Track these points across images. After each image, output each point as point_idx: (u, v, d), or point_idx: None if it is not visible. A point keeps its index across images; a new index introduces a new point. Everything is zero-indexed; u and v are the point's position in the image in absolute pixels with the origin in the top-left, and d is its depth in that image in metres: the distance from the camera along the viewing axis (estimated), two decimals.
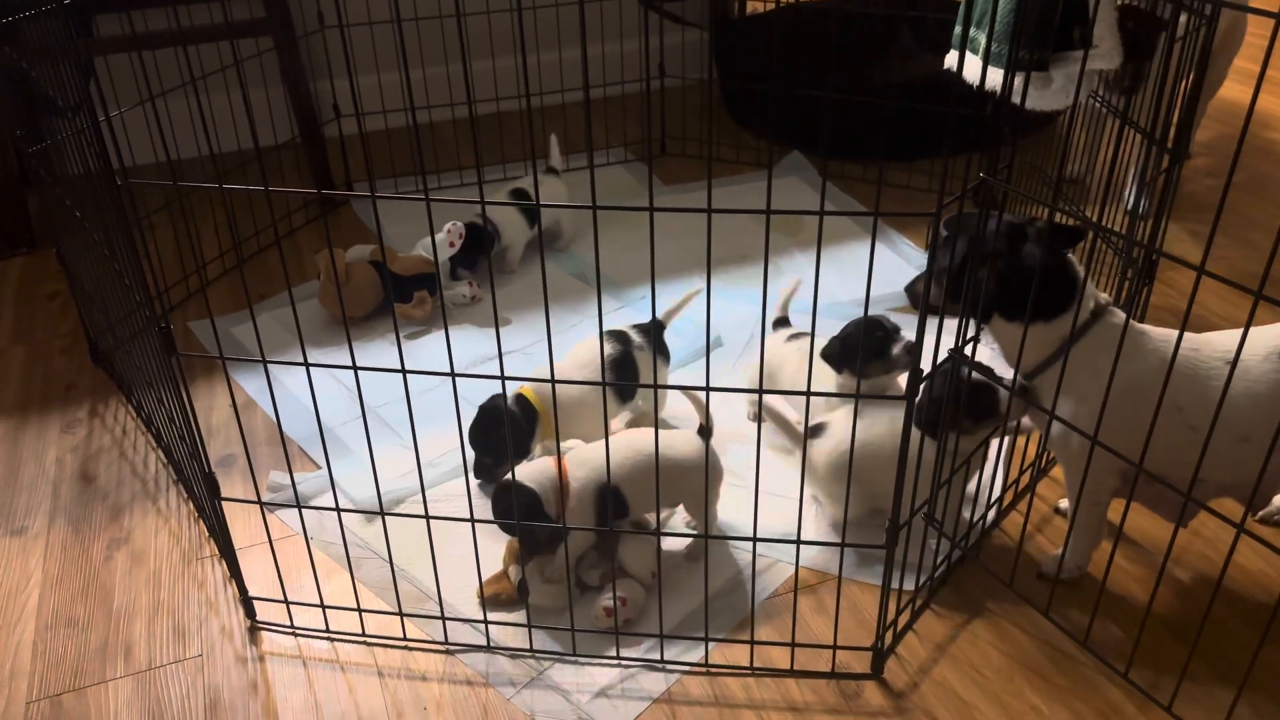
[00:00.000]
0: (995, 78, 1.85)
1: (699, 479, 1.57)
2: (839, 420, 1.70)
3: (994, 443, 1.68)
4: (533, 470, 1.57)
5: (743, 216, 2.66)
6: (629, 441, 1.60)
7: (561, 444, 1.62)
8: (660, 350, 1.92)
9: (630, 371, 1.87)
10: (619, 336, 1.90)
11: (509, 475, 1.51)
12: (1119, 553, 1.66)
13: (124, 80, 2.65)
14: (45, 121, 1.91)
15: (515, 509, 1.49)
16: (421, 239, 2.40)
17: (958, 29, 2.11)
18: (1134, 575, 1.64)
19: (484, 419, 1.79)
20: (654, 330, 1.83)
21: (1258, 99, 1.06)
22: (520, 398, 1.79)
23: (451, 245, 2.31)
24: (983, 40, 1.93)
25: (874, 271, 1.19)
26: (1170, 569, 1.64)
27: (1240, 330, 1.20)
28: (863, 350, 1.68)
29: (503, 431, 1.74)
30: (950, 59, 2.11)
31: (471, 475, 1.81)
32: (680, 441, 1.62)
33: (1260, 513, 1.73)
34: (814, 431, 1.70)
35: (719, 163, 3.04)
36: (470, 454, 1.81)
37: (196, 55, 2.54)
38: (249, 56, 2.25)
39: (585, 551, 1.63)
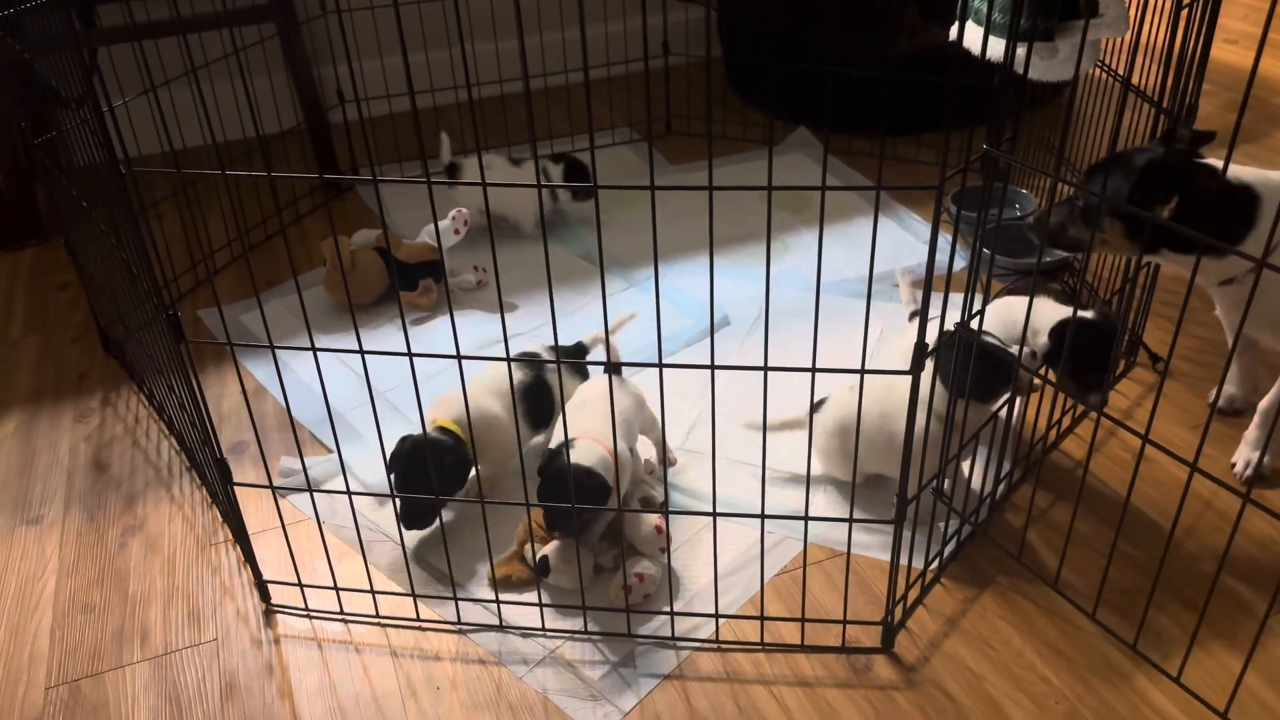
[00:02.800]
0: (998, 48, 1.83)
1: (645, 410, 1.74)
2: (835, 394, 1.74)
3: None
4: (587, 454, 1.53)
5: (749, 194, 2.66)
6: (602, 402, 1.64)
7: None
8: (580, 372, 1.83)
9: (545, 398, 1.77)
10: (530, 360, 1.78)
11: (565, 461, 1.51)
12: (1127, 526, 1.66)
13: (127, 70, 2.65)
14: (50, 113, 1.92)
15: (577, 494, 1.48)
16: (426, 226, 2.41)
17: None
18: (1144, 547, 1.64)
19: (409, 456, 1.61)
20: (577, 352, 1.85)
21: (1259, 63, 1.04)
22: (442, 430, 1.65)
23: (456, 233, 2.31)
24: (986, 10, 1.91)
25: (880, 246, 1.18)
26: (1179, 539, 1.64)
27: None
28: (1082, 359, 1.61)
29: (431, 467, 1.56)
30: (955, 31, 2.09)
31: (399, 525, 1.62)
32: (628, 386, 1.75)
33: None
34: (816, 408, 1.75)
35: (725, 140, 3.03)
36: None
37: (199, 43, 2.55)
38: (251, 44, 2.25)
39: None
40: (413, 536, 1.69)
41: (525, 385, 1.75)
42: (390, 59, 3.11)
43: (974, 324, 1.48)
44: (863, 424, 1.63)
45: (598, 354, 1.86)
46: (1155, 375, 2.02)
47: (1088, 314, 1.65)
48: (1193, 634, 1.38)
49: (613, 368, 1.73)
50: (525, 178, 2.46)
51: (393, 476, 1.62)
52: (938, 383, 1.57)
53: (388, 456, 1.60)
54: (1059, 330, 1.66)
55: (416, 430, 1.60)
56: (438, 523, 1.68)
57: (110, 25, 2.76)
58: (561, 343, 1.80)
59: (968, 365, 1.50)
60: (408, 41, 3.08)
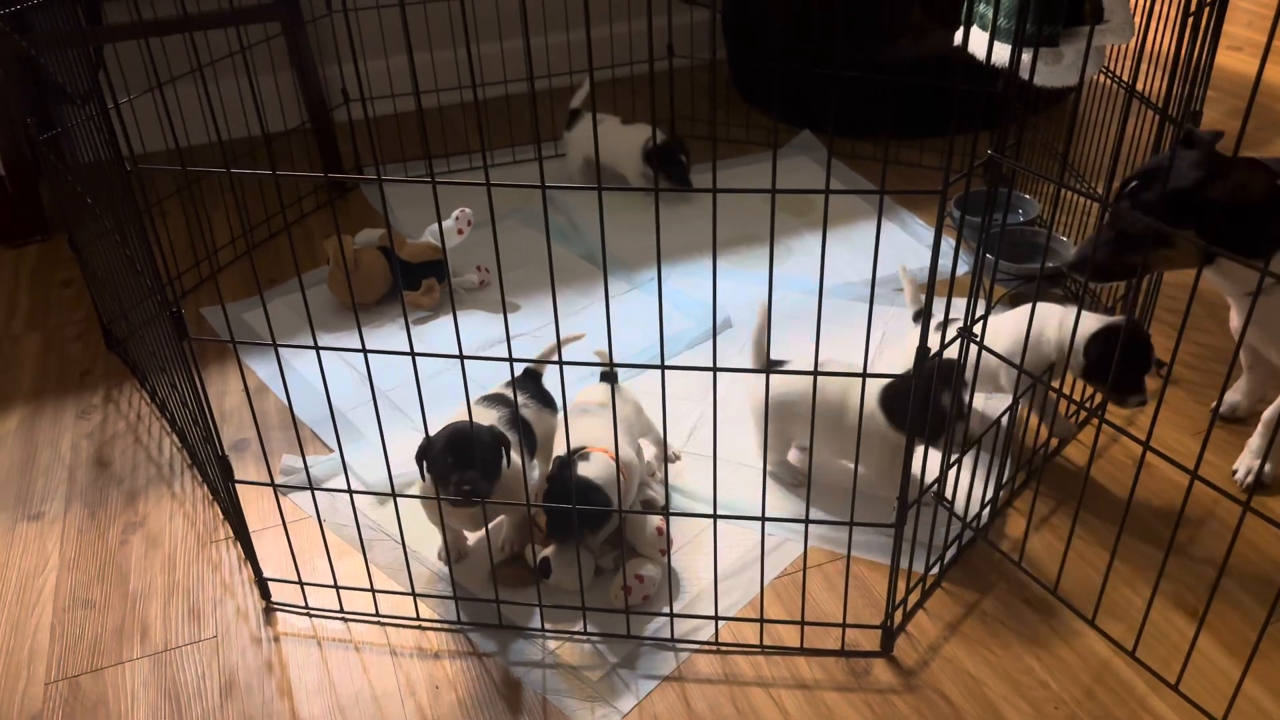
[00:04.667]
0: (1003, 53, 1.83)
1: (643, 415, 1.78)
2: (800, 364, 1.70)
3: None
4: (598, 468, 1.53)
5: (752, 197, 2.66)
6: (602, 410, 1.66)
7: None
8: (544, 400, 1.77)
9: (526, 432, 1.68)
10: (501, 400, 1.69)
11: (571, 473, 1.50)
12: (1128, 532, 1.66)
13: (131, 67, 2.66)
14: (56, 110, 1.93)
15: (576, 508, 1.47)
16: (429, 225, 2.41)
17: (966, 4, 2.09)
18: (1144, 554, 1.64)
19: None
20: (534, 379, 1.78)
21: (1264, 70, 1.04)
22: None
23: (460, 232, 2.31)
24: (991, 15, 1.91)
25: (882, 250, 1.18)
26: (1180, 546, 1.64)
27: None
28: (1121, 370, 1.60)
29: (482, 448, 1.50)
30: (960, 35, 2.09)
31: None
32: (625, 392, 1.77)
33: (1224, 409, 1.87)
34: (776, 364, 1.73)
35: (728, 143, 3.03)
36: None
37: (205, 41, 2.55)
38: (257, 42, 2.25)
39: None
40: (414, 535, 1.68)
41: (507, 420, 1.65)
42: (395, 59, 3.11)
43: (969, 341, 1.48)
44: (821, 399, 1.54)
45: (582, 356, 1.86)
46: (1157, 381, 2.02)
47: (1115, 319, 1.63)
48: (1192, 641, 1.38)
49: (611, 374, 1.74)
50: (633, 138, 2.71)
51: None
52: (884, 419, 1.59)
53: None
54: (1102, 338, 1.62)
55: (420, 431, 1.59)
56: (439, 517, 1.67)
57: (116, 22, 2.77)
58: (509, 380, 1.73)
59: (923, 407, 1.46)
60: (412, 41, 3.09)
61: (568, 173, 2.82)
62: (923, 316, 1.26)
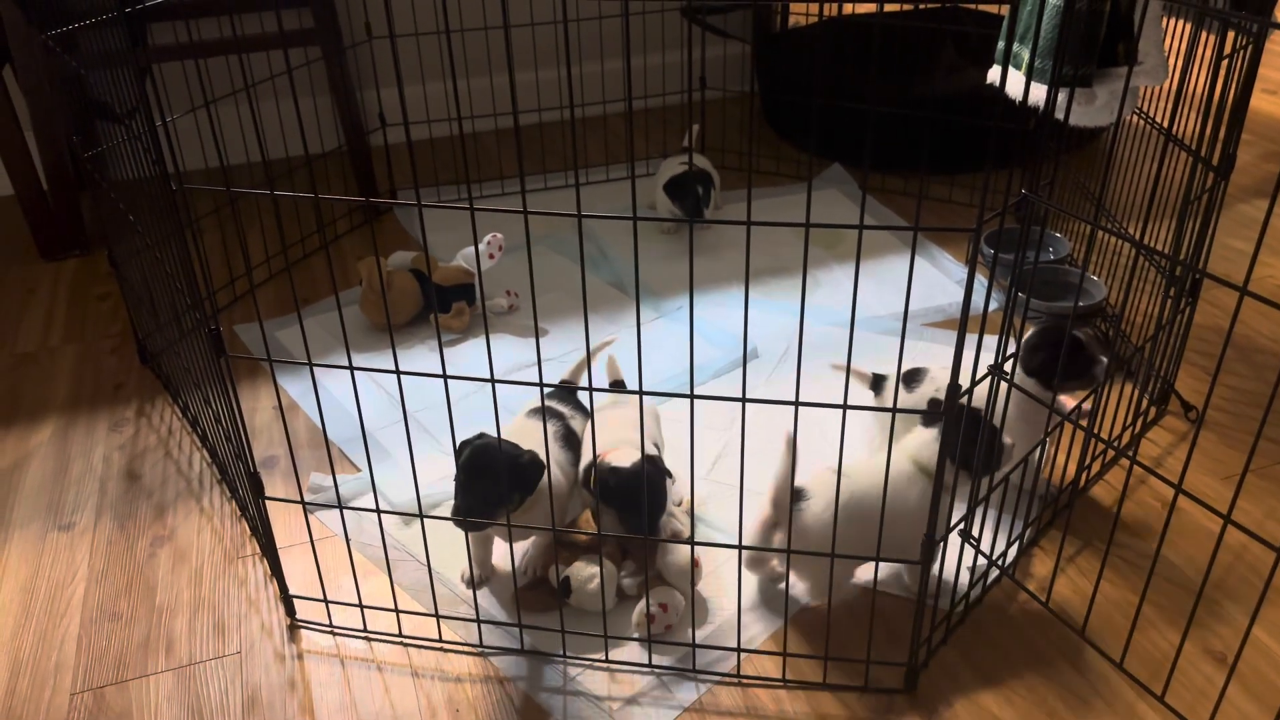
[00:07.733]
0: (1038, 93, 1.84)
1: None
2: (826, 482, 1.52)
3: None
4: (628, 458, 1.58)
5: (782, 229, 2.67)
6: (620, 417, 1.68)
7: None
8: (586, 413, 1.81)
9: (574, 443, 1.74)
10: (551, 413, 1.72)
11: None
12: (1158, 576, 1.64)
13: (173, 87, 2.71)
14: (100, 127, 1.97)
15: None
16: (462, 249, 2.44)
17: (1001, 44, 2.10)
18: (1173, 597, 1.62)
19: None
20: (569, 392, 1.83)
21: None
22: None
23: (491, 257, 2.34)
24: (1026, 55, 1.92)
25: (914, 286, 1.19)
26: (1210, 593, 1.62)
27: None
28: (1065, 368, 1.61)
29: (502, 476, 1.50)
30: (993, 74, 2.11)
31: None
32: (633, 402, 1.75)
33: None
34: (796, 496, 1.53)
35: (760, 175, 3.05)
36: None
37: (247, 64, 2.61)
38: (298, 66, 2.30)
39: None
40: (439, 557, 1.69)
41: (560, 434, 1.70)
42: (431, 85, 3.15)
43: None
44: (870, 506, 1.45)
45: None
46: (1188, 424, 2.00)
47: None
48: (1222, 689, 1.36)
49: (618, 384, 1.78)
50: (666, 173, 2.71)
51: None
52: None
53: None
54: (1037, 341, 1.67)
55: (448, 453, 1.61)
56: (465, 540, 1.68)
57: (163, 43, 2.82)
58: (550, 379, 1.76)
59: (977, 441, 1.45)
60: (448, 69, 3.13)
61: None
62: (955, 352, 1.25)
